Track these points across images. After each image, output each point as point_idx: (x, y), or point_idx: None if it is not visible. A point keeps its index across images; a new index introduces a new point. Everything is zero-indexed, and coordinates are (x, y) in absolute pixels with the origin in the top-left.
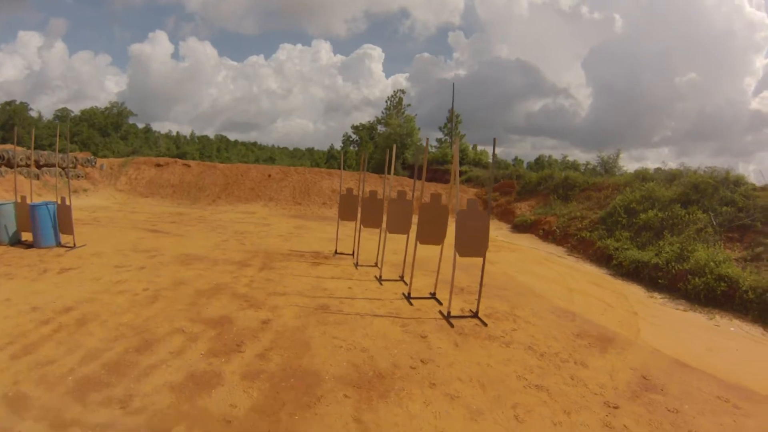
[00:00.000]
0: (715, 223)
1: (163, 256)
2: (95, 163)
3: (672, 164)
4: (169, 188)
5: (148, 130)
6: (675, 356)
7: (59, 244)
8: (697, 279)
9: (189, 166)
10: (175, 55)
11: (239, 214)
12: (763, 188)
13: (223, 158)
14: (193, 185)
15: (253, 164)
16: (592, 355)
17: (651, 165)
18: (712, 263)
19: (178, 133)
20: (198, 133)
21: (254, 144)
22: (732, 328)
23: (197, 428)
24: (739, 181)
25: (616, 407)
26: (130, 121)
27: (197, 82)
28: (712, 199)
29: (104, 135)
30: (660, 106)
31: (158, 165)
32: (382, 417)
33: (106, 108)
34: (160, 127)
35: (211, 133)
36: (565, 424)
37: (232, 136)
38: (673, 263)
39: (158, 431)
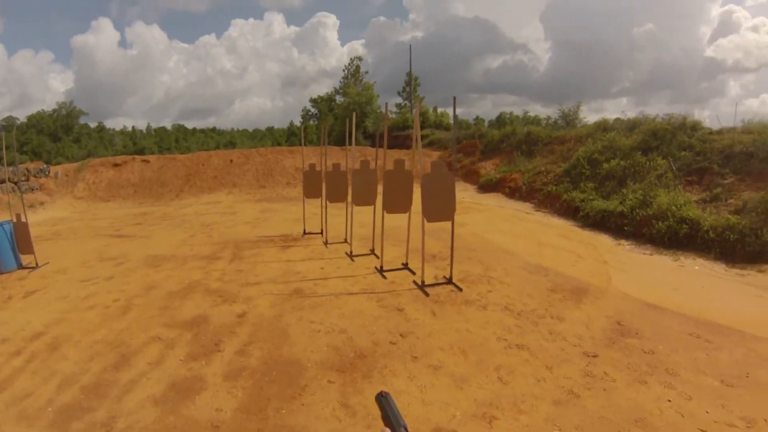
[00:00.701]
0: (674, 168)
1: (131, 262)
2: (49, 172)
3: (631, 114)
4: (130, 188)
5: (101, 128)
6: (646, 300)
7: (20, 266)
8: (660, 223)
9: (148, 161)
10: (122, 43)
11: (204, 205)
12: (719, 132)
13: (182, 149)
14: (154, 181)
15: (213, 151)
16: (567, 308)
17: (611, 116)
18: (673, 207)
19: (133, 127)
20: (154, 125)
21: (213, 130)
22: (696, 267)
23: None
24: (696, 127)
25: (595, 356)
26: (82, 121)
27: (148, 70)
28: (671, 145)
29: (55, 140)
30: (618, 57)
31: (116, 165)
32: (369, 398)
33: (54, 110)
34: (114, 123)
35: (168, 124)
36: (548, 379)
37: (190, 124)
38: (637, 210)
39: None
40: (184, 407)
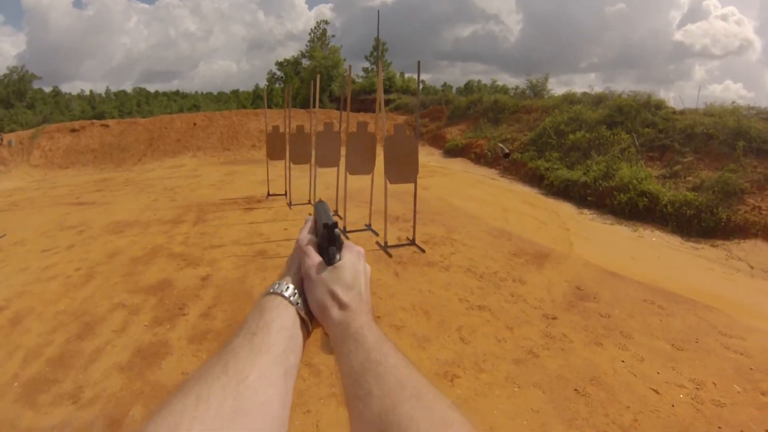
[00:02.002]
0: (637, 144)
1: (92, 229)
2: (2, 140)
3: (598, 89)
4: (89, 154)
5: (57, 93)
6: (605, 267)
7: None
8: (622, 195)
9: (108, 126)
10: (77, 3)
11: (168, 169)
12: (682, 112)
13: (144, 113)
14: (115, 146)
15: (176, 114)
16: (529, 272)
17: (578, 90)
18: (635, 180)
19: (91, 91)
20: (114, 89)
21: (176, 93)
22: (654, 239)
23: (154, 404)
24: (660, 105)
25: (554, 318)
26: (35, 85)
27: (106, 32)
28: (635, 121)
29: (7, 107)
30: (588, 34)
31: (74, 130)
32: (331, 357)
33: (5, 75)
34: (71, 87)
35: (128, 87)
36: (508, 339)
37: (152, 88)
38: (600, 181)
39: (115, 418)
40: (150, 373)
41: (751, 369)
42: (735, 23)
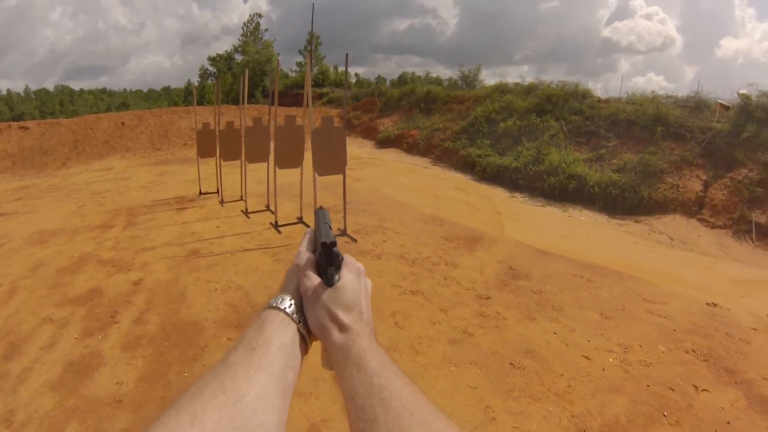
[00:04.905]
0: (565, 130)
1: (13, 241)
2: None
3: (530, 80)
4: (8, 160)
5: None
6: (536, 246)
7: None
8: (551, 178)
9: (27, 128)
10: None
11: (95, 172)
12: (606, 101)
13: (68, 113)
14: (36, 150)
15: (103, 114)
16: (461, 255)
17: (512, 81)
18: (563, 164)
19: (9, 90)
20: (35, 87)
21: (103, 91)
22: (582, 218)
23: (90, 419)
24: (586, 94)
25: (488, 298)
26: None
27: (27, 23)
28: (563, 109)
29: None
30: (523, 28)
31: None
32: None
33: None
34: None
35: (51, 85)
36: (443, 321)
37: (78, 85)
38: (530, 166)
39: None
40: (84, 387)
41: (674, 330)
42: (659, 22)
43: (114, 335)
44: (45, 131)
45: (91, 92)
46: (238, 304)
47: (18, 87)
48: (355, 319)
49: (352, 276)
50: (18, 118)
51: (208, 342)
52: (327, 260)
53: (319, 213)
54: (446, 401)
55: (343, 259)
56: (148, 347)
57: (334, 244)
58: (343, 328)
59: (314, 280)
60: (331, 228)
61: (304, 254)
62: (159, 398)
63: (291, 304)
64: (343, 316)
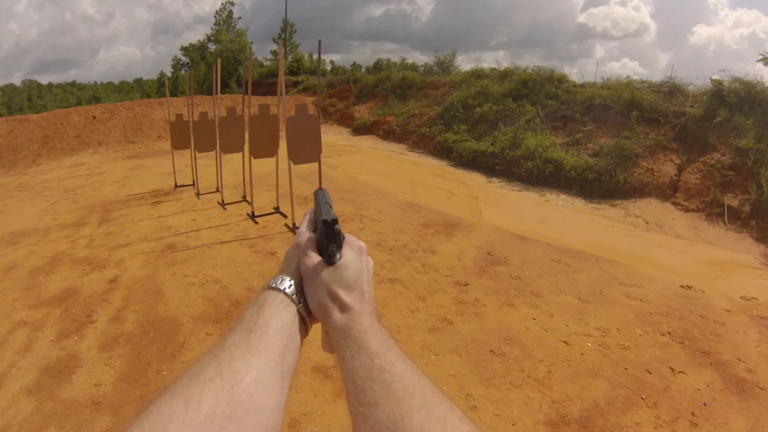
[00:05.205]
0: (542, 115)
1: None
2: None
3: (506, 65)
4: None
5: None
6: (514, 231)
7: None
8: (528, 163)
9: None
10: None
11: (67, 168)
12: (582, 86)
13: (37, 108)
14: (4, 148)
15: (73, 108)
16: (439, 242)
17: (487, 66)
18: (540, 149)
19: None
20: (0, 83)
21: (73, 84)
22: (560, 202)
23: (68, 424)
24: (562, 79)
25: (466, 284)
26: None
27: None
28: (539, 94)
29: None
30: (498, 14)
31: None
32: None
33: None
34: None
35: (17, 80)
36: (421, 309)
37: (46, 79)
38: (507, 151)
39: None
40: (61, 390)
41: (651, 313)
42: (633, 9)
43: (91, 335)
44: (13, 128)
45: (60, 86)
46: (216, 297)
47: None
48: (357, 298)
49: (353, 254)
50: None
51: (186, 338)
52: (328, 238)
53: (319, 193)
54: None
55: (344, 237)
56: (125, 346)
57: (335, 221)
58: (344, 307)
59: (315, 258)
60: (331, 207)
61: (305, 234)
62: (138, 398)
63: (291, 285)
64: (344, 295)
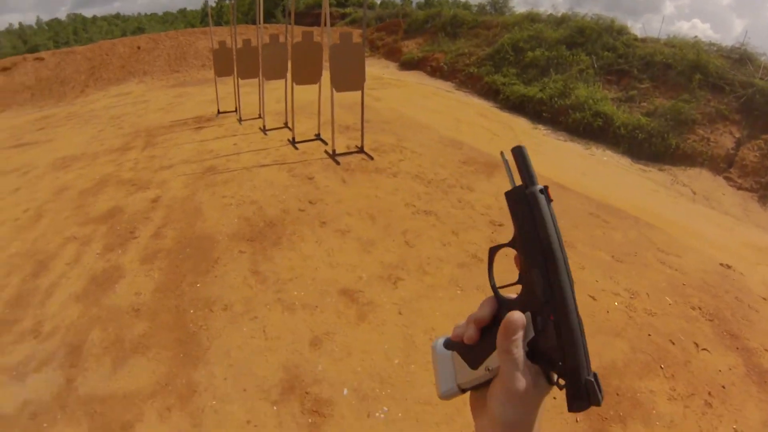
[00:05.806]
0: (596, 66)
1: (37, 169)
2: None
3: (563, 11)
4: (26, 92)
5: None
6: (555, 179)
7: None
8: (577, 114)
9: (43, 59)
10: None
11: (113, 98)
12: (643, 40)
13: (83, 41)
14: (53, 80)
15: (117, 39)
16: (478, 180)
17: (543, 10)
18: (591, 101)
19: (21, 24)
20: (46, 18)
21: (117, 16)
22: (605, 158)
23: (111, 327)
24: (622, 31)
25: (500, 225)
26: None
27: None
28: (596, 44)
29: None
30: None
31: (5, 69)
32: (278, 264)
33: None
34: None
35: (62, 15)
36: (453, 243)
37: (90, 12)
38: (556, 99)
39: (75, 345)
40: (105, 297)
41: (684, 284)
42: None
43: (133, 250)
44: (60, 61)
45: (104, 18)
46: (251, 217)
47: (29, 19)
48: None
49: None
50: (33, 50)
51: (220, 254)
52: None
53: (518, 152)
54: (449, 323)
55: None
56: (164, 260)
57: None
58: None
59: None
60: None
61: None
62: (173, 307)
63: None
64: None
